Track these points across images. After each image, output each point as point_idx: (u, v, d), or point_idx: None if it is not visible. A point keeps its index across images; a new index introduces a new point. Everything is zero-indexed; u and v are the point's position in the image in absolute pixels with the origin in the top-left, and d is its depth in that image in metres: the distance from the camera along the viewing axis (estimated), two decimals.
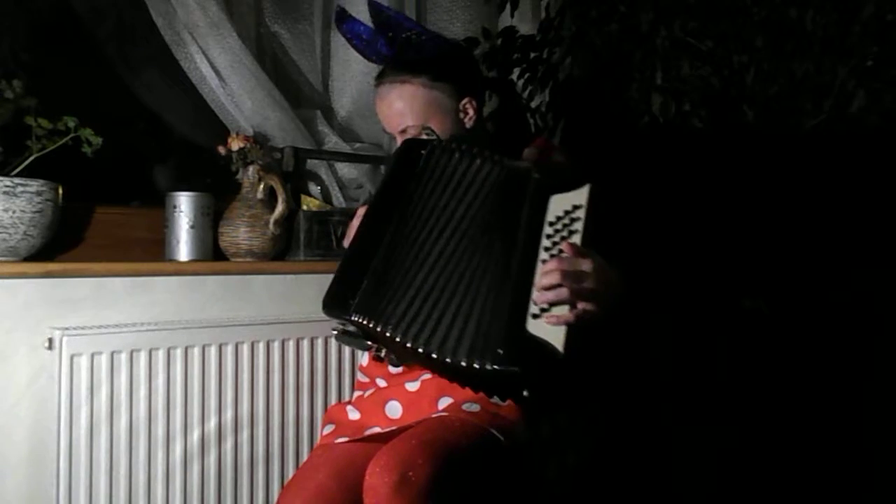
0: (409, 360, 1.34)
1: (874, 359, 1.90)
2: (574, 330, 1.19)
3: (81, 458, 1.59)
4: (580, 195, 1.25)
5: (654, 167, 2.08)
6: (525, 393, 1.23)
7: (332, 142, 2.16)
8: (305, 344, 1.89)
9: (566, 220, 1.25)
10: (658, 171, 2.07)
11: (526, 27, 2.47)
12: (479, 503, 1.28)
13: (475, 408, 1.34)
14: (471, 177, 1.36)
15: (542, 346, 1.17)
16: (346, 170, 2.19)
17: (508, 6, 2.31)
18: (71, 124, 1.62)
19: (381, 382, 1.49)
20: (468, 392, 1.37)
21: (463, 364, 1.21)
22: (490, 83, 1.79)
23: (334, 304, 1.31)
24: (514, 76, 2.32)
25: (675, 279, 2.05)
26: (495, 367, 1.19)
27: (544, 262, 1.24)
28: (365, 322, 1.28)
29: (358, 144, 2.21)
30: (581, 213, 1.24)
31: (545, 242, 1.25)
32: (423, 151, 1.39)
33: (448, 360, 1.23)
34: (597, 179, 1.26)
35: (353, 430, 1.45)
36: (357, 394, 1.54)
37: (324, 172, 2.14)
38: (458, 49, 1.65)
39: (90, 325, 1.66)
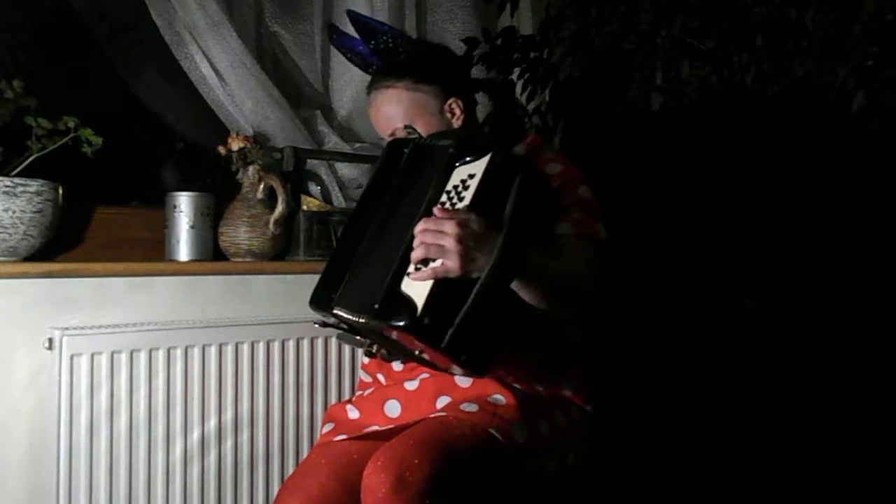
0: (388, 348, 1.35)
1: (874, 359, 1.90)
2: (441, 286, 1.19)
3: (81, 458, 1.59)
4: (479, 165, 1.26)
5: (654, 167, 2.08)
6: (463, 357, 1.23)
7: (332, 142, 2.16)
8: (305, 344, 1.89)
9: (460, 188, 1.27)
10: (658, 171, 2.08)
11: (526, 27, 2.47)
12: (478, 503, 1.28)
13: (473, 407, 1.34)
14: (428, 165, 1.37)
15: (407, 301, 1.20)
16: (346, 170, 2.19)
17: (508, 6, 2.31)
18: (71, 124, 1.62)
19: (382, 379, 1.50)
20: (467, 392, 1.38)
21: (359, 319, 1.26)
22: (480, 84, 1.79)
23: (318, 299, 1.36)
24: (514, 76, 2.32)
25: (675, 279, 2.05)
26: (370, 318, 1.23)
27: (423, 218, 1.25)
28: (345, 314, 1.30)
29: (358, 144, 2.21)
30: (473, 182, 1.25)
31: (435, 210, 1.26)
32: (405, 150, 1.41)
33: (356, 318, 1.26)
34: (501, 149, 1.28)
35: (353, 429, 1.45)
36: (357, 393, 1.55)
37: (324, 172, 2.14)
38: (441, 50, 1.68)
39: (90, 325, 1.66)
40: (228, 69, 1.96)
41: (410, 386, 1.44)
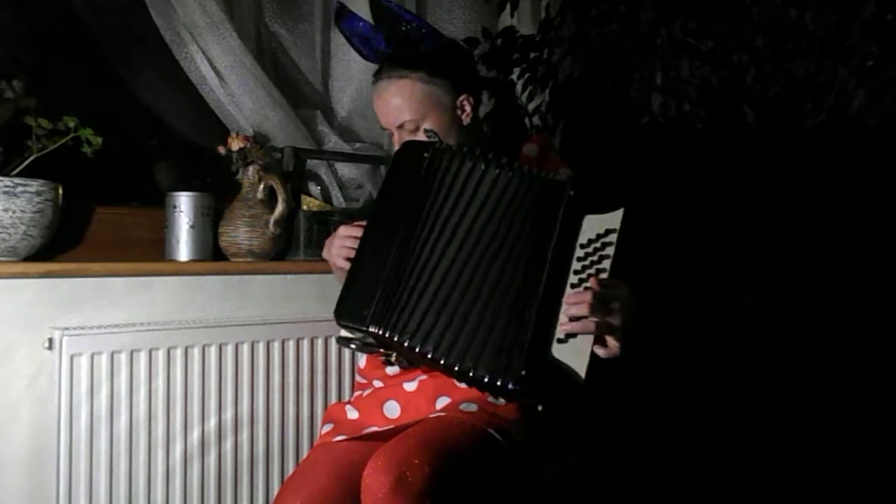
0: (423, 364, 1.35)
1: (874, 358, 1.90)
2: (597, 357, 1.21)
3: (81, 458, 1.59)
4: (614, 219, 1.24)
5: (654, 167, 2.08)
6: (539, 408, 1.24)
7: (332, 142, 2.16)
8: (305, 344, 1.89)
9: (598, 244, 1.24)
10: (658, 171, 2.07)
11: (526, 27, 2.47)
12: (477, 503, 1.28)
13: (473, 408, 1.34)
14: (487, 184, 1.33)
15: (565, 372, 1.19)
16: (346, 170, 2.19)
17: (508, 6, 2.31)
18: (71, 124, 1.62)
19: (378, 384, 1.49)
20: (466, 392, 1.37)
21: (484, 379, 1.24)
22: (486, 83, 1.78)
23: (350, 315, 1.31)
24: (514, 76, 2.32)
25: (675, 279, 2.05)
26: (517, 387, 1.21)
27: (573, 285, 1.24)
28: (382, 333, 1.29)
29: (358, 144, 2.21)
30: (613, 238, 1.23)
31: (575, 265, 1.24)
32: (425, 154, 1.37)
33: (469, 373, 1.25)
34: (631, 203, 1.25)
35: (352, 430, 1.45)
36: (356, 393, 1.54)
37: (324, 172, 2.14)
38: (456, 47, 1.65)
39: (90, 325, 1.66)
40: (228, 69, 1.95)
41: (409, 387, 1.44)
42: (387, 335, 1.29)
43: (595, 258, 1.24)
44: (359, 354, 1.57)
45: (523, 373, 1.20)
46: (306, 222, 1.99)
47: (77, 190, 1.70)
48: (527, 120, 2.28)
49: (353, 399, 1.53)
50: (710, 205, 2.00)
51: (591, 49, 2.24)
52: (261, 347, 1.82)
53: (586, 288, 1.22)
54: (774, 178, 1.95)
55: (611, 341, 1.22)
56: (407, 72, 1.48)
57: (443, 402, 1.39)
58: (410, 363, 1.37)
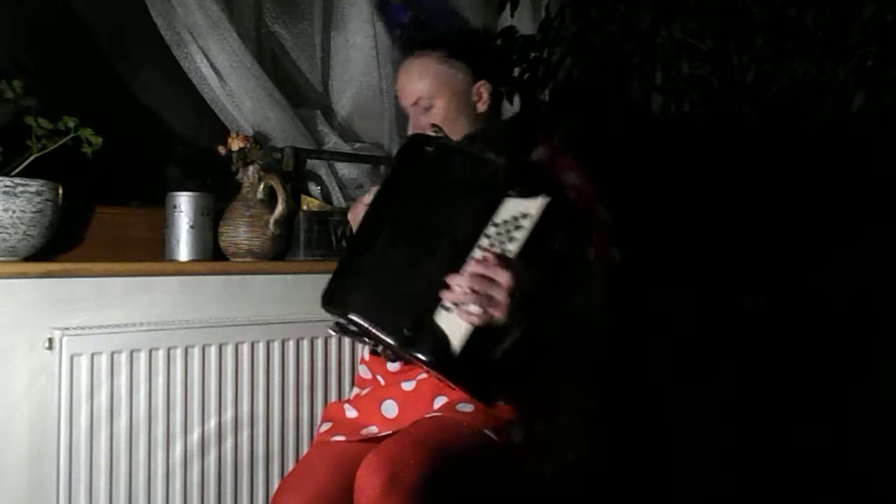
0: (392, 350, 1.35)
1: (874, 358, 1.90)
2: (480, 331, 1.20)
3: (81, 458, 1.59)
4: (533, 205, 1.23)
5: (654, 167, 2.08)
6: (477, 393, 1.25)
7: (332, 142, 2.16)
8: (305, 344, 1.89)
9: (511, 226, 1.24)
10: (658, 171, 2.07)
11: (526, 27, 2.47)
12: (473, 503, 1.28)
13: (469, 408, 1.33)
14: (456, 171, 1.35)
15: (441, 338, 1.20)
16: (346, 170, 2.19)
17: (508, 6, 2.31)
18: (71, 124, 1.62)
19: (381, 379, 1.50)
20: (463, 393, 1.37)
21: (387, 340, 1.25)
22: (510, 81, 1.78)
23: (331, 298, 1.34)
24: (514, 76, 2.32)
25: (675, 279, 2.05)
26: (398, 344, 1.23)
27: (476, 260, 1.24)
28: (365, 324, 1.29)
29: (358, 144, 2.21)
30: (527, 223, 1.23)
31: (482, 241, 1.24)
32: (427, 148, 1.38)
33: (383, 338, 1.25)
34: (557, 196, 1.25)
35: (350, 429, 1.45)
36: (355, 391, 1.54)
37: (324, 172, 2.14)
38: (479, 34, 1.67)
39: (90, 325, 1.66)
40: (228, 69, 1.95)
41: (408, 387, 1.44)
42: (364, 323, 1.29)
43: (504, 238, 1.24)
44: (360, 348, 1.57)
45: (406, 332, 1.21)
46: (306, 222, 1.99)
47: (77, 190, 1.70)
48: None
49: (351, 398, 1.53)
50: (711, 205, 2.00)
51: (591, 49, 2.24)
52: (261, 347, 1.82)
53: (476, 260, 1.22)
54: (774, 177, 1.95)
55: (494, 312, 1.20)
56: (428, 50, 1.51)
57: (440, 401, 1.39)
58: (394, 353, 1.37)
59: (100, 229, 1.81)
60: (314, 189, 2.13)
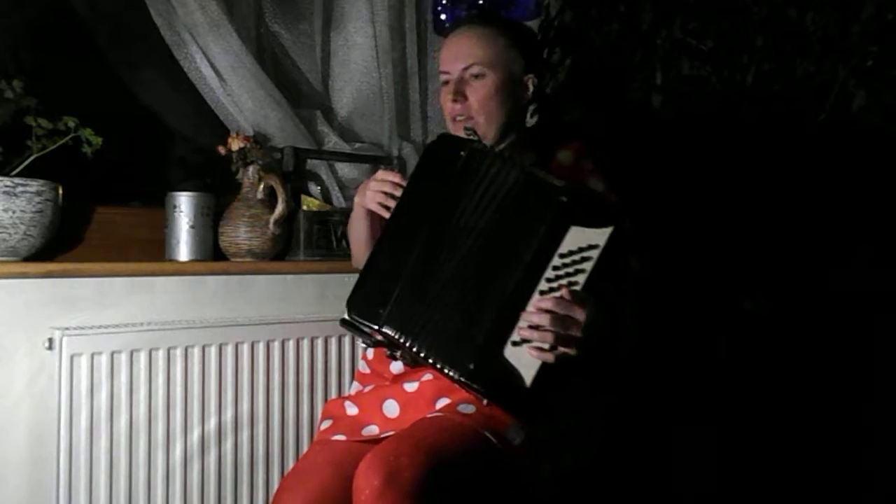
0: (415, 358, 1.35)
1: (874, 358, 1.90)
2: (550, 367, 1.20)
3: (81, 458, 1.59)
4: (600, 235, 1.22)
5: (654, 167, 2.08)
6: (485, 402, 1.26)
7: (332, 142, 2.16)
8: (305, 344, 1.89)
9: (577, 257, 1.22)
10: (658, 171, 2.07)
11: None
12: None
13: (470, 409, 1.33)
14: (498, 184, 1.31)
15: (511, 373, 1.19)
16: (346, 170, 2.19)
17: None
18: (71, 124, 1.62)
19: (383, 377, 1.49)
20: (465, 394, 1.37)
21: (438, 366, 1.25)
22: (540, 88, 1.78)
23: (365, 312, 1.30)
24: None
25: (675, 279, 2.05)
26: (462, 379, 1.22)
27: (542, 292, 1.23)
28: (394, 334, 1.29)
29: (358, 144, 2.21)
30: (594, 254, 1.22)
31: (549, 273, 1.23)
32: (462, 153, 1.34)
33: (442, 367, 1.25)
34: (622, 222, 1.24)
35: (351, 427, 1.45)
36: (356, 387, 1.54)
37: (324, 172, 2.14)
38: (533, 31, 1.67)
39: (90, 325, 1.66)
40: (228, 69, 1.95)
41: (410, 387, 1.43)
42: (400, 339, 1.28)
43: (571, 270, 1.23)
44: (362, 346, 1.57)
45: (471, 366, 1.20)
46: (306, 222, 1.99)
47: (77, 190, 1.70)
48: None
49: (353, 394, 1.52)
50: (711, 205, 2.00)
51: (591, 49, 2.24)
52: (261, 347, 1.82)
53: (554, 298, 1.22)
54: (774, 177, 1.95)
55: (567, 351, 1.21)
56: (494, 26, 1.49)
57: (442, 403, 1.39)
58: (415, 363, 1.37)
59: (100, 229, 1.81)
60: (314, 189, 2.13)
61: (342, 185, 2.17)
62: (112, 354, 1.62)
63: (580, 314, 1.20)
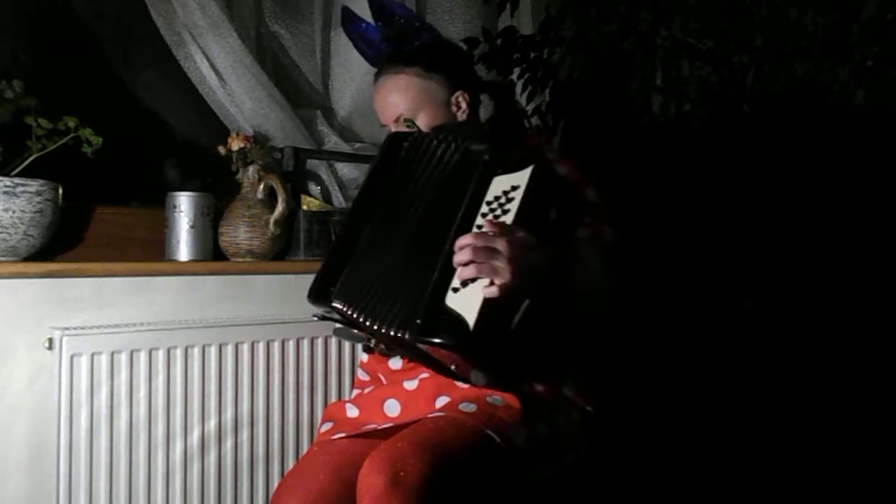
0: (388, 344, 1.36)
1: (875, 358, 1.90)
2: (492, 304, 1.20)
3: (81, 458, 1.59)
4: (521, 176, 1.26)
5: (654, 167, 2.08)
6: (473, 379, 1.26)
7: (332, 142, 2.16)
8: (305, 344, 1.89)
9: (503, 200, 1.26)
10: (658, 171, 2.08)
11: (526, 27, 2.47)
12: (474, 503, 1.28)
13: (471, 408, 1.33)
14: (436, 163, 1.38)
15: (455, 318, 1.19)
16: (346, 170, 2.19)
17: (508, 6, 2.31)
18: (71, 124, 1.62)
19: (382, 379, 1.50)
20: (465, 392, 1.37)
21: (396, 335, 1.26)
22: (486, 86, 1.79)
23: (317, 292, 1.37)
24: (514, 76, 2.32)
25: (675, 279, 2.05)
26: (414, 337, 1.23)
27: (473, 234, 1.25)
28: (344, 308, 1.33)
29: (358, 144, 2.21)
30: (517, 194, 1.25)
31: (479, 220, 1.26)
32: (404, 143, 1.42)
33: (390, 332, 1.27)
34: (542, 161, 1.27)
35: (352, 428, 1.45)
36: (356, 392, 1.54)
37: (324, 172, 2.14)
38: (452, 45, 1.69)
39: (90, 325, 1.66)
40: (228, 69, 1.96)
41: (410, 385, 1.44)
42: (348, 311, 1.32)
43: (498, 212, 1.25)
44: (360, 350, 1.58)
45: (418, 321, 1.22)
46: (306, 222, 1.99)
47: (77, 190, 1.70)
48: (525, 121, 2.28)
49: (353, 397, 1.53)
50: (710, 205, 2.00)
51: (591, 49, 2.24)
52: (261, 347, 1.82)
53: (473, 233, 1.23)
54: (774, 177, 1.95)
55: (498, 281, 1.20)
56: (404, 67, 1.52)
57: (442, 401, 1.39)
58: (387, 348, 1.38)
59: (100, 229, 1.81)
60: (314, 189, 2.13)
61: (342, 185, 2.17)
62: (112, 354, 1.62)
63: (501, 243, 1.19)
